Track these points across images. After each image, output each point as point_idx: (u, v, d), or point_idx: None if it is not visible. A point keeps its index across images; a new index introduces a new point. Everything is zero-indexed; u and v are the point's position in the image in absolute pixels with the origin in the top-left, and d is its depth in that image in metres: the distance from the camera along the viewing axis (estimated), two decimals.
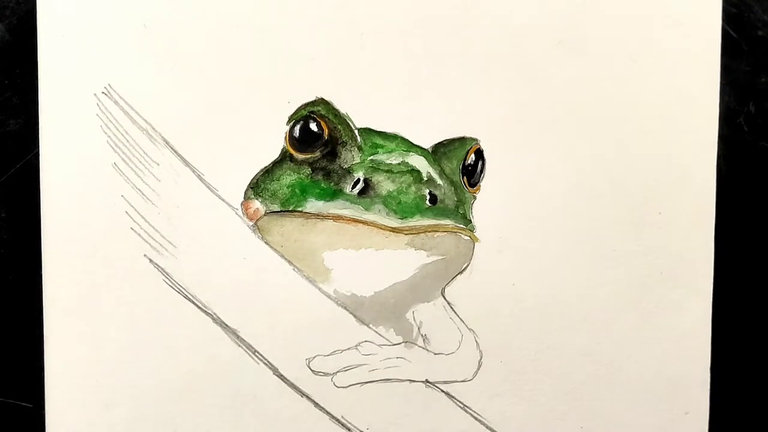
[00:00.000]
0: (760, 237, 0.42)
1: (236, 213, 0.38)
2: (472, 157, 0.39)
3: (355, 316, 0.39)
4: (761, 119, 0.42)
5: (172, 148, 0.37)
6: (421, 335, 0.39)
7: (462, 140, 0.39)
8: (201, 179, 0.37)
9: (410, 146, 0.38)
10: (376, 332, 0.39)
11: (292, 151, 0.38)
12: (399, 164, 0.37)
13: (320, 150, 0.38)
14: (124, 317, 0.37)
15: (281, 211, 0.38)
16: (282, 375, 0.38)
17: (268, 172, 0.38)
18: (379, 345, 0.39)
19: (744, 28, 0.41)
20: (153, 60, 0.37)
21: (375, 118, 0.38)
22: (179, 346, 0.37)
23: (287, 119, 0.38)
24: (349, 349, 0.39)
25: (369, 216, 0.37)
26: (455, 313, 0.40)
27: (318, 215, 0.37)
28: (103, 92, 0.36)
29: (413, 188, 0.37)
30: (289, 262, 0.38)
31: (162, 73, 0.37)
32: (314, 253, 0.38)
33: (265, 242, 0.38)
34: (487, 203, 0.39)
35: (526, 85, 0.40)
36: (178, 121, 0.37)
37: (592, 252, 0.40)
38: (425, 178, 0.37)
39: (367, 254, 0.38)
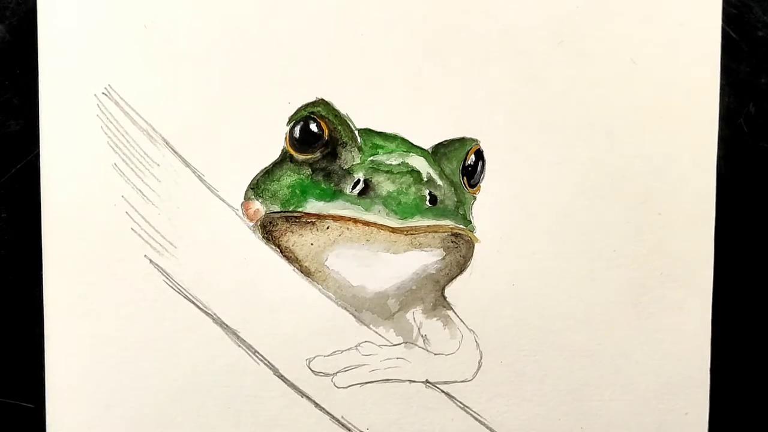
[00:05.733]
0: (760, 237, 0.42)
1: (236, 213, 0.38)
2: (472, 158, 0.39)
3: (355, 317, 0.39)
4: (761, 120, 0.42)
5: (172, 149, 0.37)
6: (421, 335, 0.40)
7: (462, 141, 0.39)
8: (201, 180, 0.37)
9: (410, 147, 0.38)
10: (376, 332, 0.39)
11: (292, 152, 0.38)
12: (399, 165, 0.37)
13: (320, 151, 0.38)
14: (124, 318, 0.37)
15: (281, 212, 0.38)
16: (282, 375, 0.38)
17: (269, 172, 0.38)
18: (379, 345, 0.39)
19: (744, 28, 0.41)
20: (153, 61, 0.37)
21: (375, 118, 0.38)
22: (179, 346, 0.37)
23: (287, 120, 0.38)
24: (349, 349, 0.39)
25: (369, 216, 0.37)
26: (455, 313, 0.40)
27: (318, 216, 0.37)
28: (103, 93, 0.37)
29: (413, 189, 0.37)
30: (289, 263, 0.38)
31: (162, 74, 0.37)
32: (314, 253, 0.38)
33: (265, 243, 0.38)
34: (487, 204, 0.40)
35: (526, 85, 0.40)
36: (178, 122, 0.37)
37: (592, 252, 0.40)
38: (425, 179, 0.37)
39: (367, 255, 0.38)
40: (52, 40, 0.36)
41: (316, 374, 0.39)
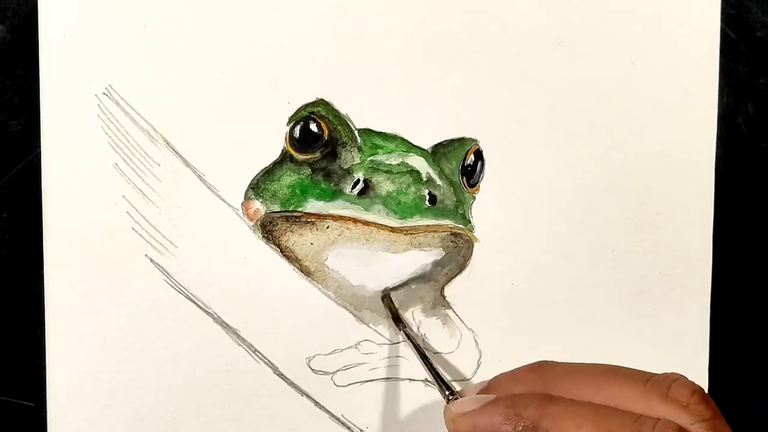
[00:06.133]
0: (758, 237, 0.42)
1: (237, 213, 0.38)
2: (471, 158, 0.39)
3: (354, 316, 0.39)
4: (760, 120, 0.42)
5: (172, 149, 0.37)
6: (421, 334, 0.40)
7: (461, 141, 0.39)
8: (201, 179, 0.37)
9: (410, 147, 0.38)
10: (376, 331, 0.39)
11: (292, 152, 0.38)
12: (399, 165, 0.37)
13: (320, 150, 0.38)
14: (124, 317, 0.37)
15: (281, 212, 0.38)
16: (282, 374, 0.38)
17: (269, 172, 0.38)
18: (379, 344, 0.39)
19: (743, 29, 0.41)
20: (154, 61, 0.37)
21: (375, 118, 0.38)
22: (180, 345, 0.37)
23: (287, 120, 0.38)
24: (348, 348, 0.39)
25: (369, 216, 0.37)
26: (454, 312, 0.40)
27: (318, 215, 0.37)
28: (104, 93, 0.36)
29: (413, 189, 0.37)
30: (289, 262, 0.38)
31: (163, 74, 0.37)
32: (314, 253, 0.38)
33: (265, 242, 0.38)
34: (486, 203, 0.40)
35: (525, 85, 0.40)
36: (178, 122, 0.37)
37: (591, 252, 0.40)
38: (425, 179, 0.38)
39: (366, 254, 0.38)
40: (52, 41, 0.36)
41: (315, 373, 0.39)
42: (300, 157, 0.38)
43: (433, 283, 0.39)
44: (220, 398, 0.38)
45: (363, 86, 0.38)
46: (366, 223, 0.37)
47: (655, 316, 0.41)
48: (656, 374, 0.29)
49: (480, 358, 0.40)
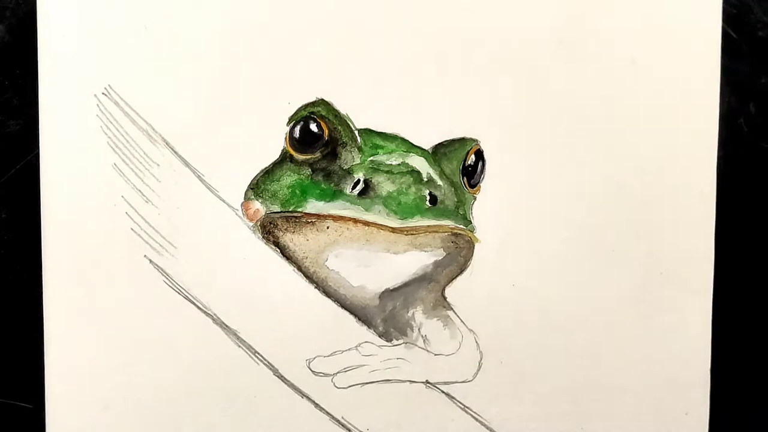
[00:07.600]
0: (760, 237, 0.42)
1: (236, 214, 0.38)
2: (472, 158, 0.39)
3: (355, 317, 0.39)
4: (761, 120, 0.42)
5: (172, 149, 0.37)
6: (421, 336, 0.39)
7: (462, 141, 0.39)
8: (201, 180, 0.37)
9: (410, 147, 0.38)
10: (376, 333, 0.39)
11: (292, 152, 0.38)
12: (399, 165, 0.37)
13: (320, 151, 0.38)
14: (124, 318, 0.37)
15: (281, 212, 0.38)
16: (282, 376, 0.38)
17: (269, 172, 0.38)
18: (379, 346, 0.39)
19: (744, 28, 0.41)
20: (153, 61, 0.37)
21: (375, 118, 0.38)
22: (179, 346, 0.37)
23: (287, 120, 0.38)
24: (349, 349, 0.39)
25: (369, 216, 0.37)
26: (455, 313, 0.40)
27: (318, 216, 0.37)
28: (103, 93, 0.37)
29: (413, 189, 0.37)
30: (289, 263, 0.38)
31: (162, 74, 0.37)
32: (314, 253, 0.38)
33: (265, 243, 0.38)
34: (487, 204, 0.39)
35: (525, 85, 0.40)
36: (178, 122, 0.37)
37: (592, 252, 0.40)
38: (425, 179, 0.37)
39: (367, 255, 0.38)
40: (51, 41, 0.36)
41: (316, 374, 0.39)
42: (300, 157, 0.38)
43: (433, 284, 0.39)
44: (220, 399, 0.38)
45: (363, 86, 0.38)
46: (366, 223, 0.37)
47: (657, 316, 0.41)
48: None
49: (481, 360, 0.40)
